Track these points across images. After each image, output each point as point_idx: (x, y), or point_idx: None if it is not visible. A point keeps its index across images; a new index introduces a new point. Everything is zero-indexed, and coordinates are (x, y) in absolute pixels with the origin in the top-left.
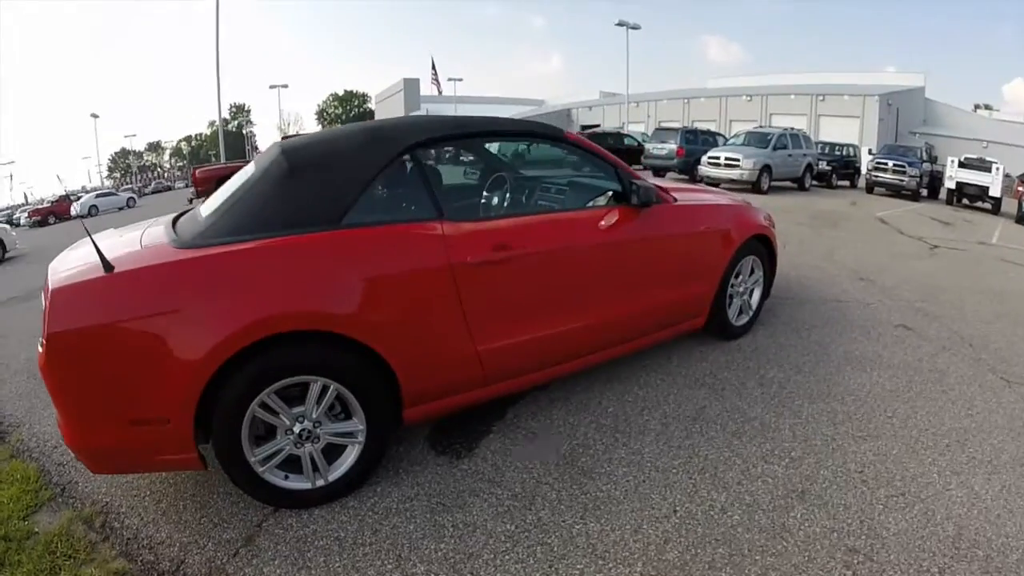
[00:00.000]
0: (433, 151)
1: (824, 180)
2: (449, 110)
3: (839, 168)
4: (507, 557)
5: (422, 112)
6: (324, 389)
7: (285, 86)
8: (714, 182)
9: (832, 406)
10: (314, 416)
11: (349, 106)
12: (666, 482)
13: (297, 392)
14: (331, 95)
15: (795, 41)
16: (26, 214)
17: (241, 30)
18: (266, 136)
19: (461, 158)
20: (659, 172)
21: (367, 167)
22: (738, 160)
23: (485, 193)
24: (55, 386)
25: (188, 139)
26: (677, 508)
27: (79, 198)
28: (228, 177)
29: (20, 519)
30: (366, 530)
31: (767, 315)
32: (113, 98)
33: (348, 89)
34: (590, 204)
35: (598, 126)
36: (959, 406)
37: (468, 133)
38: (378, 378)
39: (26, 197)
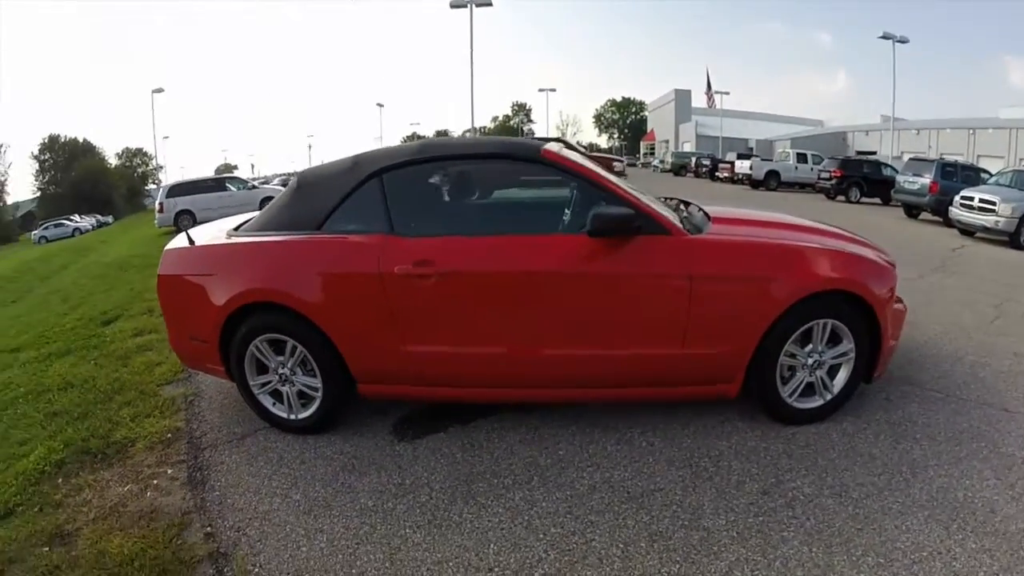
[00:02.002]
0: (403, 173)
1: None
2: (717, 123)
3: None
4: (337, 524)
5: (691, 124)
6: (294, 348)
7: (553, 90)
8: (967, 229)
9: (832, 561)
10: (289, 366)
11: (626, 112)
12: (512, 544)
13: (284, 347)
14: (609, 100)
15: None
16: None
17: (527, 29)
18: (547, 134)
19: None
20: (911, 209)
21: (343, 187)
22: (994, 204)
23: (461, 212)
24: (162, 309)
25: (473, 130)
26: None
27: None
28: None
29: (156, 386)
30: (296, 461)
31: (878, 405)
32: (401, 91)
33: (626, 96)
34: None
35: (874, 153)
36: None
37: (432, 157)
38: (329, 350)
39: None
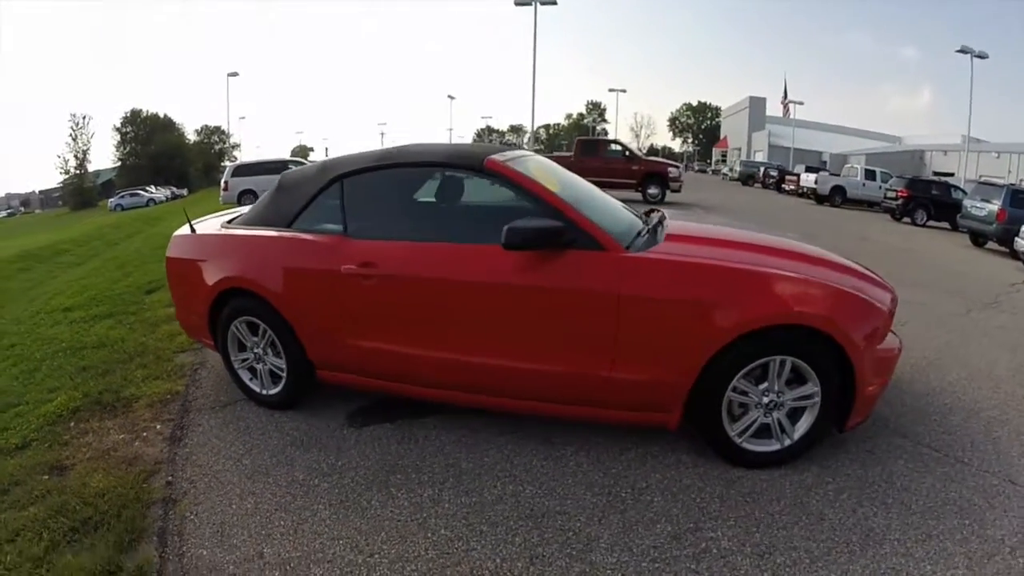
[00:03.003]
0: (361, 178)
1: None
2: (790, 133)
3: None
4: (267, 490)
5: (764, 133)
6: (265, 331)
7: (623, 91)
8: None
9: None
10: (261, 347)
11: (701, 117)
12: (399, 536)
13: (258, 329)
14: (684, 104)
15: None
16: None
17: (605, 25)
18: (618, 135)
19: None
20: (976, 237)
21: (311, 189)
22: None
23: (409, 216)
24: (169, 286)
25: (547, 127)
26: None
27: None
28: None
29: (172, 353)
30: (257, 431)
31: (856, 457)
32: (474, 84)
33: (701, 100)
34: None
35: (951, 175)
36: None
37: (387, 164)
38: (292, 336)
39: None
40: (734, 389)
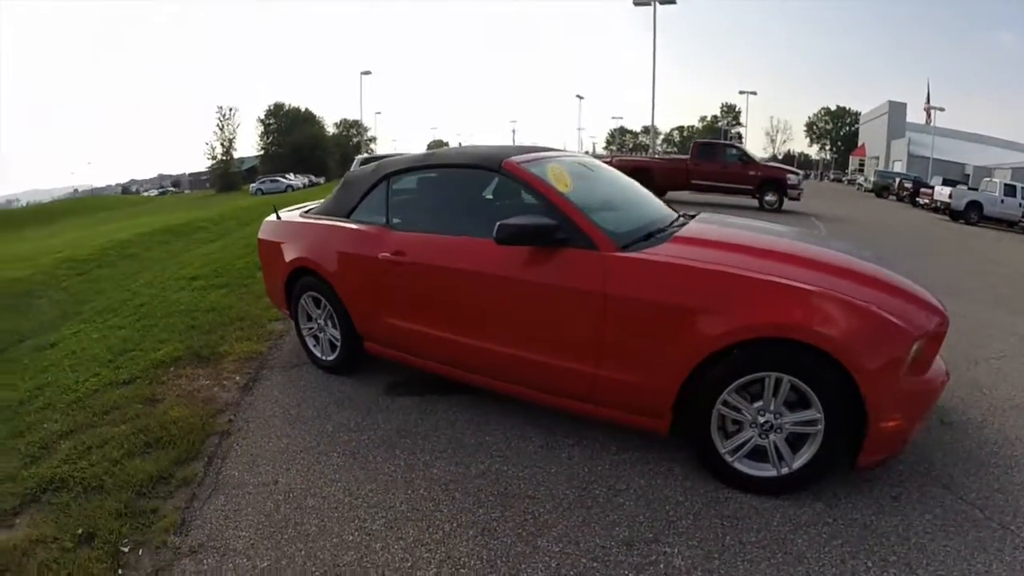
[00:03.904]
0: (404, 177)
1: None
2: (931, 141)
3: None
4: (300, 436)
5: (904, 141)
6: (325, 305)
7: (754, 93)
8: None
9: None
10: (322, 319)
11: (840, 123)
12: (384, 488)
13: (321, 303)
14: (822, 109)
15: None
16: None
17: (739, 27)
18: (751, 140)
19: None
20: None
21: (366, 185)
22: None
23: (437, 212)
24: (261, 264)
25: (680, 128)
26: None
27: None
28: (640, 169)
29: (267, 321)
30: (311, 389)
31: (875, 502)
32: (604, 84)
33: (840, 105)
34: None
35: None
36: None
37: (424, 165)
38: (345, 311)
39: None
40: (725, 403)
